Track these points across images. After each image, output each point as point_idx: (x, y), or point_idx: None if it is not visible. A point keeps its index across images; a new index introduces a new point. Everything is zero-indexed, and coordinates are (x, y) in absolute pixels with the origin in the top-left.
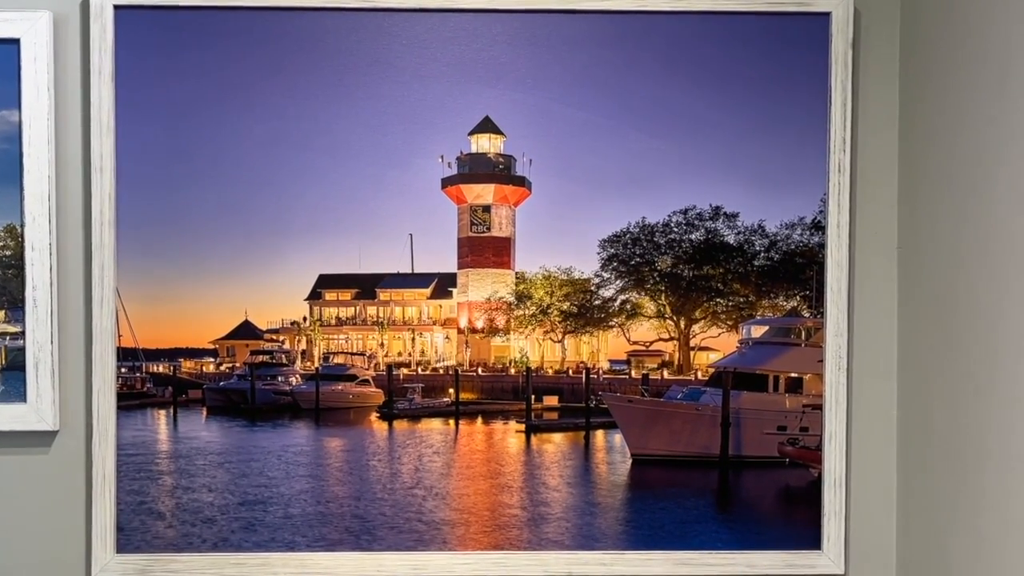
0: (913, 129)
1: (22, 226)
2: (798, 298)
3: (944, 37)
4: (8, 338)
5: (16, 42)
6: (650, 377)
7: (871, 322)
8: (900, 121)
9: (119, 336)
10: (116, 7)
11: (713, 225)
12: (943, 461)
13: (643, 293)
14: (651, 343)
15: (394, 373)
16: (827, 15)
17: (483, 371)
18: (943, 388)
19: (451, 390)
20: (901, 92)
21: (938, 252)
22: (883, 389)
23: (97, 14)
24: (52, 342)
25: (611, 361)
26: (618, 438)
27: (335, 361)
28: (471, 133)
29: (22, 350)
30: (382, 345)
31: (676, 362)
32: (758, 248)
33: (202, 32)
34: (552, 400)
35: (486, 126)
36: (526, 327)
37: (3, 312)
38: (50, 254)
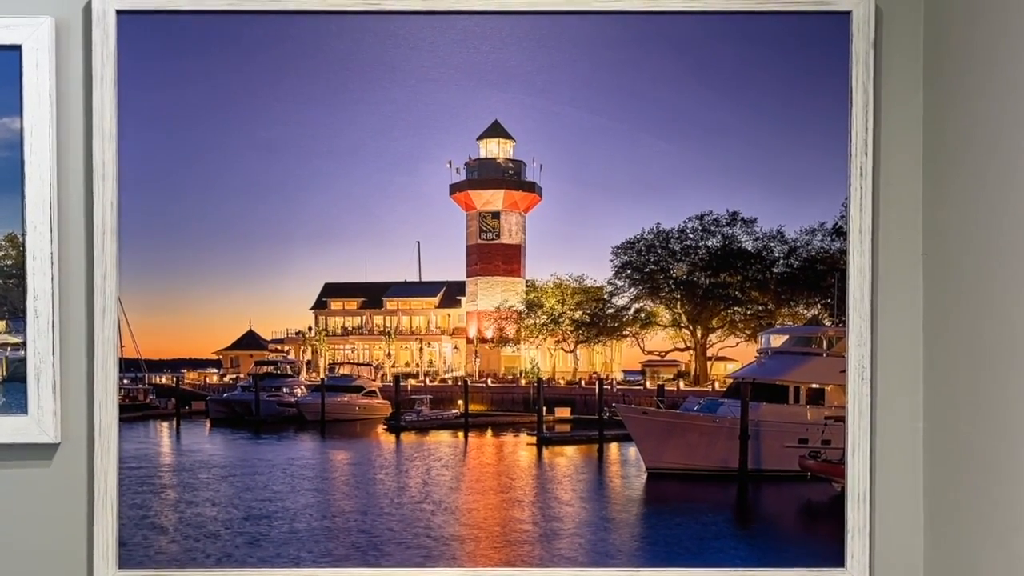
0: (938, 131)
1: (23, 235)
2: (819, 306)
3: (970, 36)
4: (9, 349)
5: (18, 48)
6: (665, 388)
7: (895, 331)
8: (924, 123)
9: (121, 347)
10: (118, 12)
11: (730, 231)
12: (971, 475)
13: (658, 301)
14: (666, 353)
15: (401, 384)
16: (847, 14)
17: (493, 382)
18: (971, 399)
19: (460, 401)
20: (925, 93)
21: (965, 258)
22: (908, 400)
23: (99, 20)
24: (53, 353)
25: (625, 372)
26: (633, 451)
27: (341, 372)
28: (480, 138)
29: (23, 361)
30: (389, 355)
31: (692, 372)
32: (777, 255)
33: (205, 37)
34: (564, 412)
35: (495, 130)
36: (537, 337)
37: (4, 322)
38: (51, 263)
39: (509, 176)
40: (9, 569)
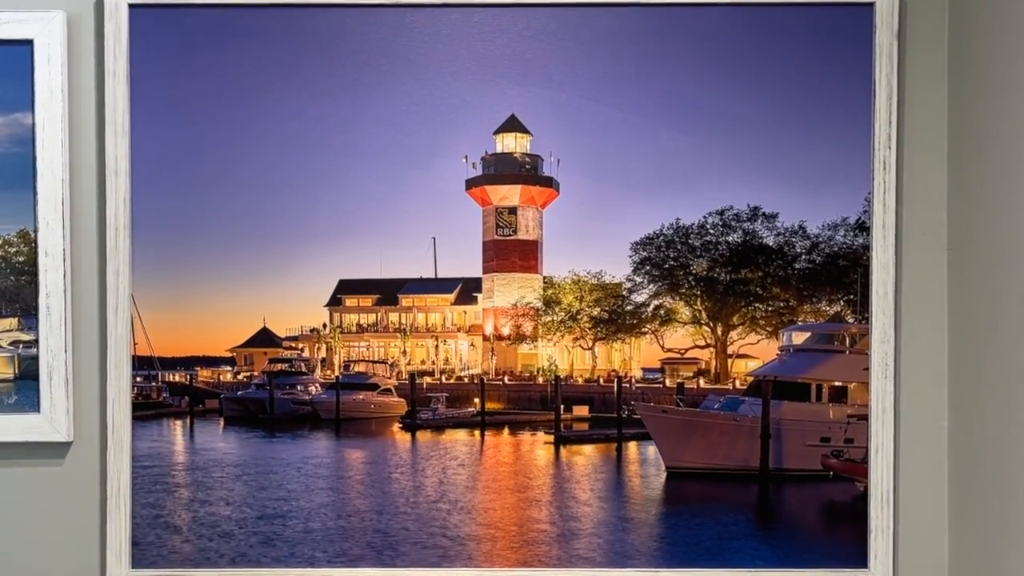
0: (963, 124)
1: (35, 231)
2: (842, 303)
3: (995, 27)
4: (21, 346)
5: (30, 43)
6: (685, 386)
7: (919, 327)
8: (949, 116)
9: (134, 344)
10: (131, 6)
11: (751, 226)
12: (997, 474)
13: (677, 298)
14: (686, 350)
15: (417, 382)
16: (871, 5)
17: (510, 380)
18: (996, 397)
19: (476, 400)
20: (950, 86)
21: (990, 253)
22: (933, 398)
23: (111, 13)
24: (66, 350)
25: (644, 369)
26: (652, 450)
27: (356, 369)
28: (496, 132)
29: (36, 359)
30: (404, 353)
31: (713, 370)
32: (799, 250)
33: (218, 31)
34: (582, 410)
35: (512, 125)
36: (554, 334)
37: (16, 320)
38: (64, 260)
39: (526, 171)
40: (22, 569)
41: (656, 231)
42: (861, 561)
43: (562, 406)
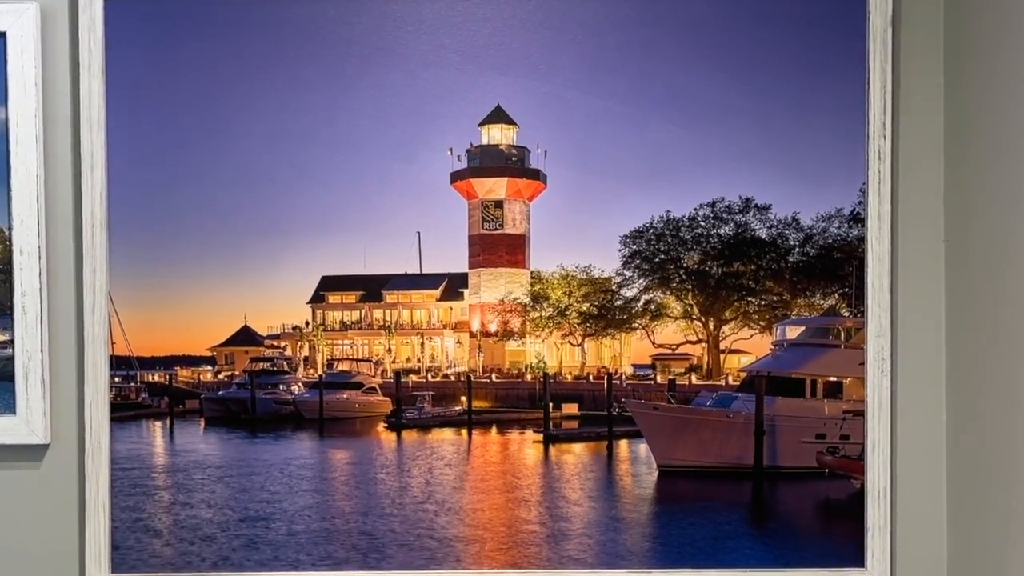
0: (959, 113)
1: (9, 229)
2: (836, 296)
3: (991, 13)
4: None
5: (2, 36)
6: (677, 382)
7: (916, 321)
8: (945, 104)
9: (112, 344)
10: None
11: (743, 218)
12: (996, 470)
13: (668, 292)
14: (678, 346)
15: (402, 380)
16: None
17: (497, 377)
18: (995, 391)
19: (463, 398)
20: (946, 73)
21: (988, 245)
22: (930, 393)
23: (86, 5)
24: (42, 350)
25: (634, 365)
26: (643, 448)
27: (340, 368)
28: (482, 124)
29: (11, 359)
30: (389, 350)
31: (705, 366)
32: (792, 242)
33: (196, 23)
34: (571, 408)
35: (498, 116)
36: (543, 330)
37: None
38: (39, 258)
39: (512, 163)
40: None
41: (646, 224)
42: (858, 560)
43: (551, 404)
